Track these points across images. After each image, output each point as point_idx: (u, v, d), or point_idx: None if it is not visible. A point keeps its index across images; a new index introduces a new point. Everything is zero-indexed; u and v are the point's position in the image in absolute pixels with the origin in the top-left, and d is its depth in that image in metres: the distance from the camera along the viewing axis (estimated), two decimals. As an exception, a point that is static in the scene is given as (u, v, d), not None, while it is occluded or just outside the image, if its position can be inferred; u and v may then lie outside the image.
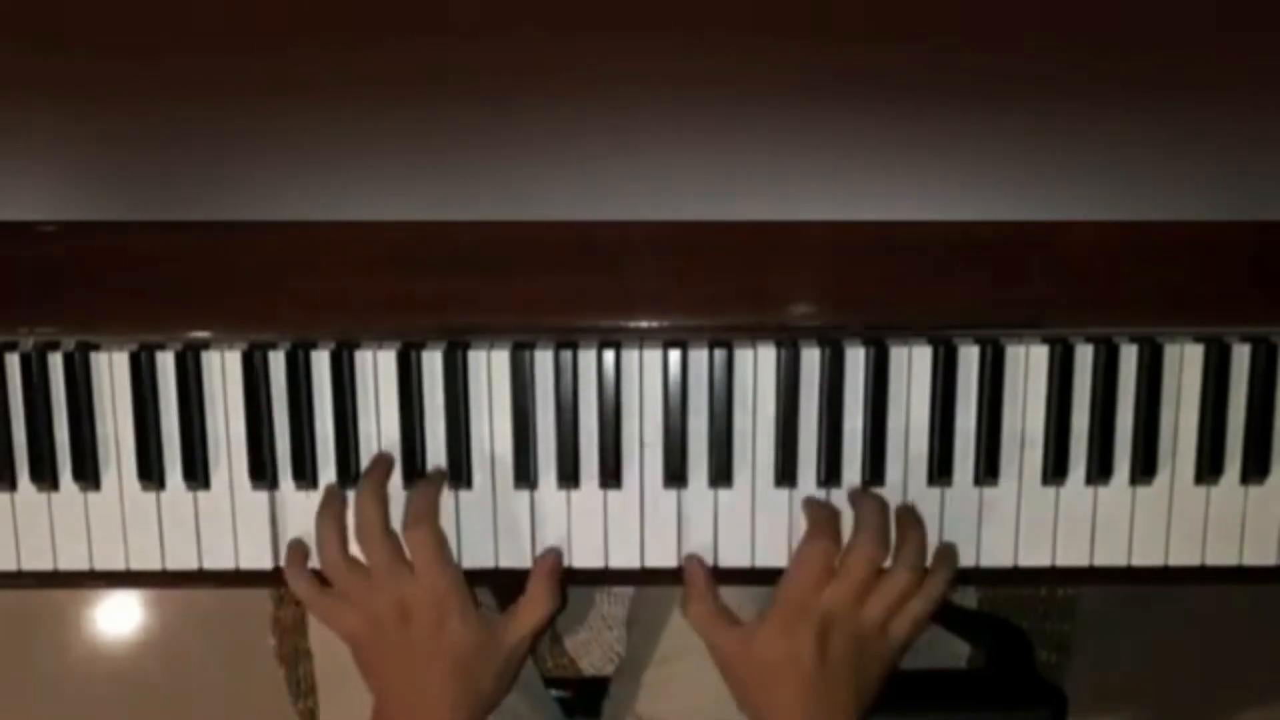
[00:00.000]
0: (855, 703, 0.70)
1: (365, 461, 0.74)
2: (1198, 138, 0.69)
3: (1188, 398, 0.73)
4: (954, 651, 0.96)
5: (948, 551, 0.74)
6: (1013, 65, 0.69)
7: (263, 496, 0.75)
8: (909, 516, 0.73)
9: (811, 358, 0.73)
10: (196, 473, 0.74)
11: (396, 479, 0.74)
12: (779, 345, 0.73)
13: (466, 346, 0.73)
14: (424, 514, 0.71)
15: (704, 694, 0.76)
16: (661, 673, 0.85)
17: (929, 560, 0.73)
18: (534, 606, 0.73)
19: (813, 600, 0.69)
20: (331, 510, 0.73)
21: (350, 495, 0.73)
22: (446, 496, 0.74)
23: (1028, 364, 0.73)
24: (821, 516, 0.71)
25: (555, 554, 0.74)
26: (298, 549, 0.74)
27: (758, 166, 0.70)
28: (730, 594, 0.74)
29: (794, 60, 0.69)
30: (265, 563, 0.76)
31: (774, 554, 0.74)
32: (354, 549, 0.72)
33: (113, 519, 0.75)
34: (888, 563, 0.71)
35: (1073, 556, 0.75)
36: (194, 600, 1.49)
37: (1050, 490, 0.74)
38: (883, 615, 0.70)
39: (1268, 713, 1.49)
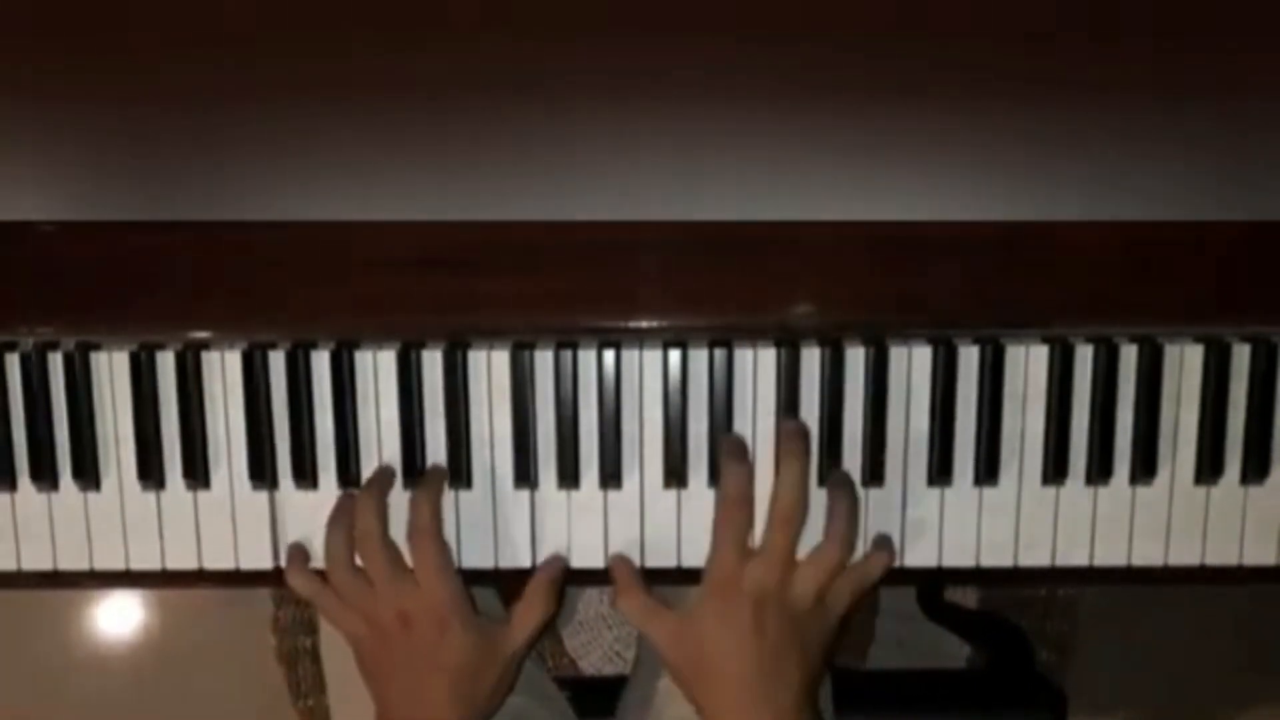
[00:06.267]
0: (801, 677, 0.69)
1: (365, 461, 0.74)
2: (1197, 138, 0.69)
3: (1188, 398, 0.73)
4: (954, 651, 0.96)
5: (884, 538, 0.74)
6: (1013, 65, 0.69)
7: (263, 496, 0.75)
8: (840, 485, 0.71)
9: (811, 358, 0.73)
10: (196, 473, 0.74)
11: (398, 474, 0.74)
12: (779, 345, 0.73)
13: (466, 346, 0.73)
14: (427, 523, 0.71)
15: None
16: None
17: (866, 546, 0.73)
18: (531, 612, 0.73)
19: (740, 577, 0.69)
20: (341, 517, 0.73)
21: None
22: (446, 496, 0.74)
23: (1028, 364, 0.73)
24: (731, 487, 0.70)
25: (559, 562, 0.75)
26: (297, 551, 0.75)
27: (757, 166, 0.70)
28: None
29: (794, 60, 0.69)
30: (265, 563, 0.76)
31: (774, 554, 0.74)
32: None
33: (113, 519, 0.75)
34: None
35: (1073, 556, 0.75)
36: (194, 600, 1.49)
37: (1050, 490, 0.74)
38: (815, 587, 0.69)
39: (1267, 712, 1.49)
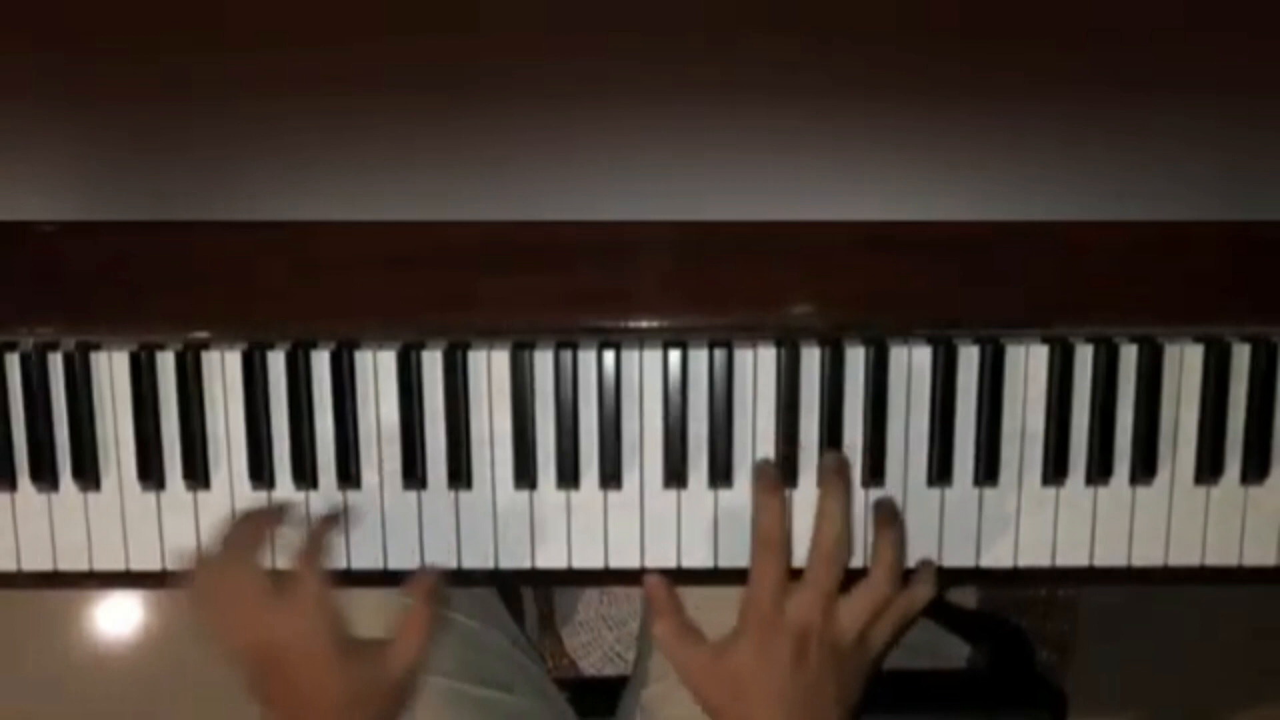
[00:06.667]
0: (839, 712, 0.68)
1: (365, 461, 0.74)
2: (1197, 138, 0.69)
3: (1188, 398, 0.73)
4: (954, 652, 0.96)
5: (928, 566, 0.73)
6: (1013, 65, 0.69)
7: (262, 497, 0.75)
8: (887, 515, 0.71)
9: (811, 358, 0.73)
10: (196, 473, 0.74)
11: (398, 474, 0.74)
12: (779, 345, 0.73)
13: (466, 346, 0.73)
14: (311, 554, 0.69)
15: None
16: (675, 678, 0.85)
17: (908, 565, 0.72)
18: (415, 633, 0.71)
19: (780, 614, 0.67)
20: (226, 538, 0.70)
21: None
22: (447, 496, 0.74)
23: (1028, 364, 0.73)
24: (766, 525, 0.68)
25: (433, 575, 0.73)
26: (187, 559, 0.72)
27: (758, 166, 0.70)
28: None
29: (794, 60, 0.69)
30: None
31: (774, 554, 0.74)
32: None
33: (113, 519, 0.75)
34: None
35: (1073, 556, 0.75)
36: (194, 600, 1.48)
37: (1050, 490, 0.74)
38: (860, 624, 0.68)
39: (1268, 712, 1.49)
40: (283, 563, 0.72)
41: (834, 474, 0.69)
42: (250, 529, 0.70)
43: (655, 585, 0.72)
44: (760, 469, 0.72)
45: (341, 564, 0.75)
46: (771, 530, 0.68)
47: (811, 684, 0.67)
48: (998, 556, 0.75)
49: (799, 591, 0.67)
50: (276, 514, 0.73)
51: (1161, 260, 0.70)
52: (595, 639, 1.41)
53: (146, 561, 0.76)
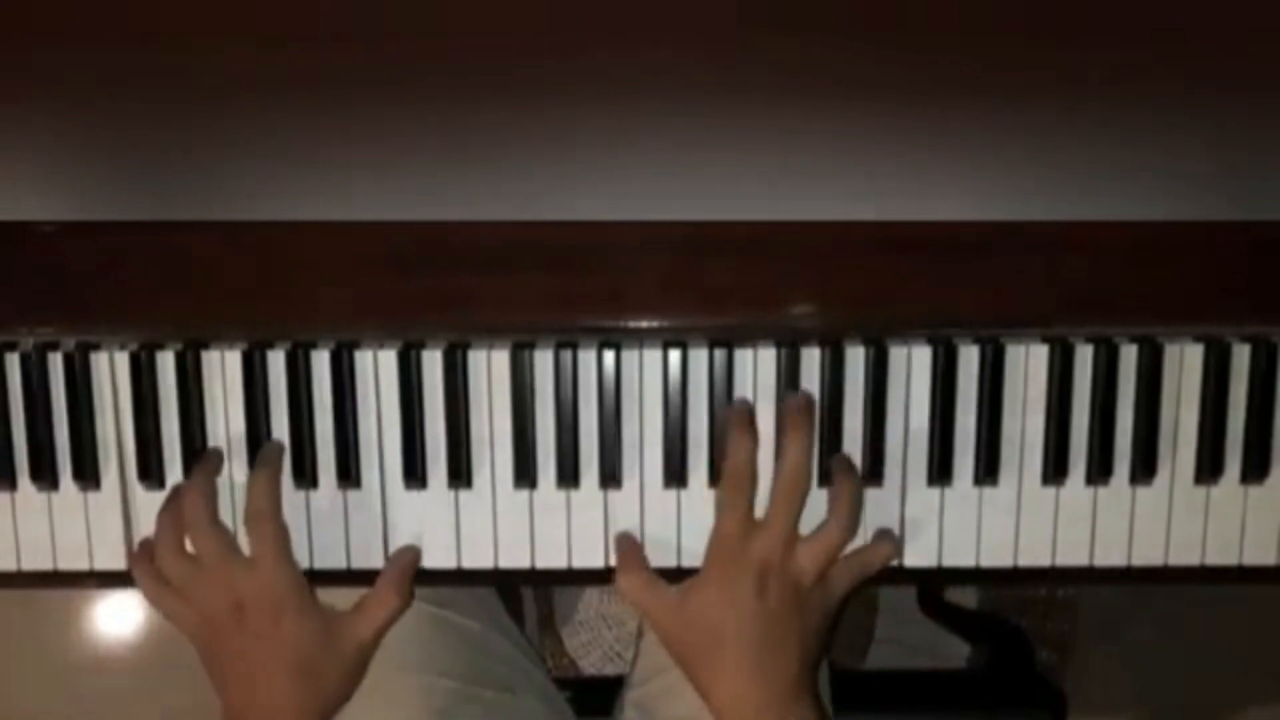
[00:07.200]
0: (800, 653, 0.69)
1: (365, 461, 0.74)
2: (1198, 138, 0.69)
3: (1188, 398, 0.73)
4: (954, 651, 0.96)
5: (886, 533, 0.74)
6: (1014, 65, 0.69)
7: (263, 496, 0.75)
8: (843, 467, 0.72)
9: (811, 358, 0.73)
10: (196, 473, 0.74)
11: (398, 474, 0.74)
12: (779, 345, 0.73)
13: (466, 346, 0.73)
14: (264, 505, 0.70)
15: None
16: (674, 676, 0.85)
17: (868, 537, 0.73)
18: (381, 604, 0.72)
19: (743, 551, 0.68)
20: (172, 505, 0.72)
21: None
22: (447, 496, 0.74)
23: (1028, 364, 0.73)
24: (737, 458, 0.69)
25: (413, 553, 0.74)
26: (145, 545, 0.73)
27: (758, 166, 0.70)
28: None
29: (794, 60, 0.69)
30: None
31: (774, 554, 0.74)
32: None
33: (113, 519, 0.75)
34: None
35: (1073, 556, 0.75)
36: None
37: (1050, 490, 0.74)
38: (817, 564, 0.69)
39: (1268, 712, 1.49)
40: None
41: (796, 414, 0.70)
42: (196, 496, 0.71)
43: (624, 540, 0.74)
44: (733, 408, 0.72)
45: (341, 564, 0.75)
46: (741, 466, 0.69)
47: (773, 620, 0.68)
48: (998, 556, 0.75)
49: (760, 528, 0.69)
50: (211, 469, 0.73)
51: (1161, 260, 0.70)
52: (595, 639, 1.41)
53: (146, 561, 0.76)
